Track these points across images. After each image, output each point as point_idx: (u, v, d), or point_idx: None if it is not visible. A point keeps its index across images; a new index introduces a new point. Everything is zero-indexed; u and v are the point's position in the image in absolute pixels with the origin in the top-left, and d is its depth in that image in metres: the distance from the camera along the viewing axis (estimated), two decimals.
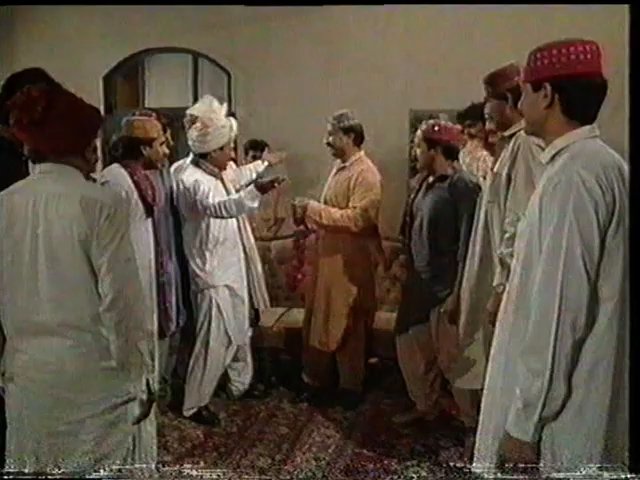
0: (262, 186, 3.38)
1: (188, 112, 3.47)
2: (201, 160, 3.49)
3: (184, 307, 3.44)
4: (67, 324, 1.81)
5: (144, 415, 1.90)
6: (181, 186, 3.43)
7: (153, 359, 1.88)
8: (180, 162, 3.70)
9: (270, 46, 4.95)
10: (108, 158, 3.41)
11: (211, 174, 3.50)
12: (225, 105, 3.50)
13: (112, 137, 3.28)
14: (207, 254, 3.46)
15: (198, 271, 3.46)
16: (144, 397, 1.87)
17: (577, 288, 1.45)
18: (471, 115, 3.42)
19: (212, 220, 3.44)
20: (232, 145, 3.62)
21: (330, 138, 3.63)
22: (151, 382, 1.88)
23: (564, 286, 1.45)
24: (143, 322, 1.86)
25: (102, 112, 5.21)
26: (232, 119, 3.51)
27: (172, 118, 3.72)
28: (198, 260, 3.46)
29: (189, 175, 3.44)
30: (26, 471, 1.82)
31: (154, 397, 1.91)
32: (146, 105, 5.50)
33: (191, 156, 3.52)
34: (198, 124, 3.39)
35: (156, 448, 2.15)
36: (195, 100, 5.32)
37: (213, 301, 3.48)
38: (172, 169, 3.56)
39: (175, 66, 5.58)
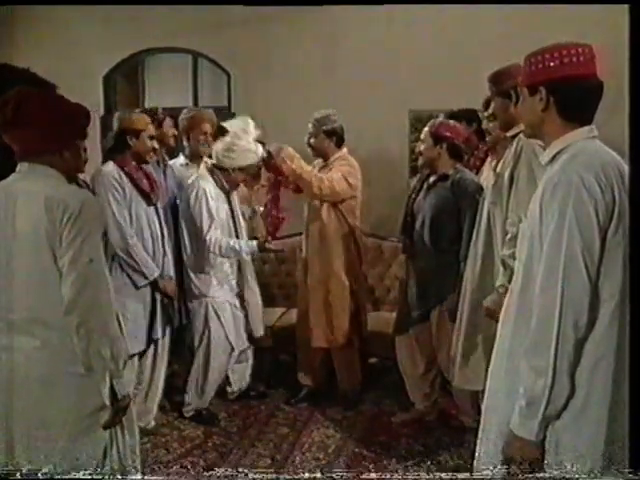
0: (264, 248, 3.43)
1: (222, 124, 3.46)
2: (217, 171, 3.45)
3: (183, 306, 3.43)
4: (36, 321, 1.80)
5: (112, 421, 1.86)
6: (187, 189, 3.41)
7: (118, 364, 1.82)
8: (176, 160, 3.70)
9: (270, 46, 4.94)
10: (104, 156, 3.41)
11: (221, 188, 3.46)
12: (258, 131, 3.44)
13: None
14: (204, 263, 3.43)
15: (194, 278, 3.44)
16: (108, 403, 1.83)
17: (578, 287, 1.47)
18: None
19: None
20: (254, 171, 3.58)
21: (312, 140, 3.61)
22: (116, 387, 1.84)
23: (565, 285, 1.46)
24: (106, 326, 1.81)
25: (102, 112, 5.23)
26: (260, 146, 3.43)
27: (176, 118, 3.70)
28: (195, 267, 3.44)
29: (197, 180, 3.41)
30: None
31: (123, 403, 1.87)
32: (146, 105, 5.50)
33: (182, 158, 3.53)
34: (227, 138, 3.37)
35: (139, 460, 2.06)
36: (195, 100, 5.35)
37: (210, 307, 3.45)
38: (171, 163, 3.54)
39: (175, 66, 5.58)
